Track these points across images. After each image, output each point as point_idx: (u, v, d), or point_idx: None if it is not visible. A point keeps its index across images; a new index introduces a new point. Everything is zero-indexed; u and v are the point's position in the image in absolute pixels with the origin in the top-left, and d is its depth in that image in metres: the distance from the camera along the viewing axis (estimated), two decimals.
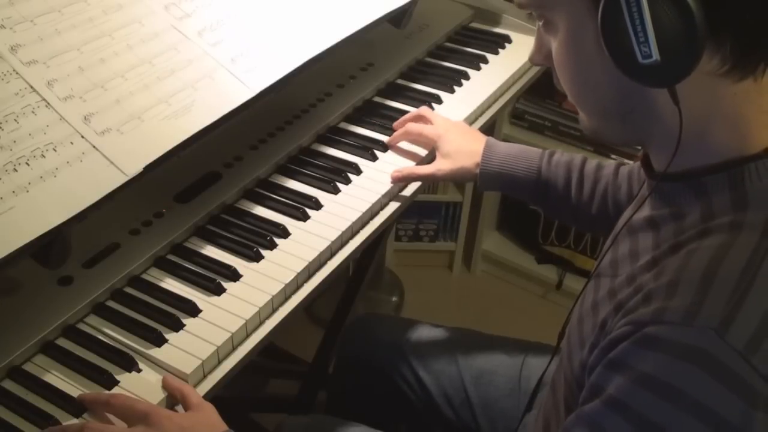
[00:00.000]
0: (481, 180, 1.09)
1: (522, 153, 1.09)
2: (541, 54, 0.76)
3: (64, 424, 0.76)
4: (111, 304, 0.88)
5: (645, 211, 0.76)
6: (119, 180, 0.85)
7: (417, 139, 1.15)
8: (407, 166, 1.11)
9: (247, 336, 0.87)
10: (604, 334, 0.69)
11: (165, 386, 0.80)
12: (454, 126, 1.14)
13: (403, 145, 1.15)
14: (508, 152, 1.09)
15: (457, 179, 1.11)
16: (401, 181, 1.09)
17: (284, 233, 0.97)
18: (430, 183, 1.08)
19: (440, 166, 1.10)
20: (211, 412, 0.79)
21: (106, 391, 0.79)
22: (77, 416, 0.77)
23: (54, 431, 0.75)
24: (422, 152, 1.13)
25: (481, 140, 1.11)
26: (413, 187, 1.10)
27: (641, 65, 0.62)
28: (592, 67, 0.68)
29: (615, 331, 0.65)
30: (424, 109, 1.18)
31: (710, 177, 0.68)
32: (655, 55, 0.61)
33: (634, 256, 0.74)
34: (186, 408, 0.79)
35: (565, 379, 0.80)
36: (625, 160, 1.92)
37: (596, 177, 1.06)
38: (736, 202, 0.66)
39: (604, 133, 0.75)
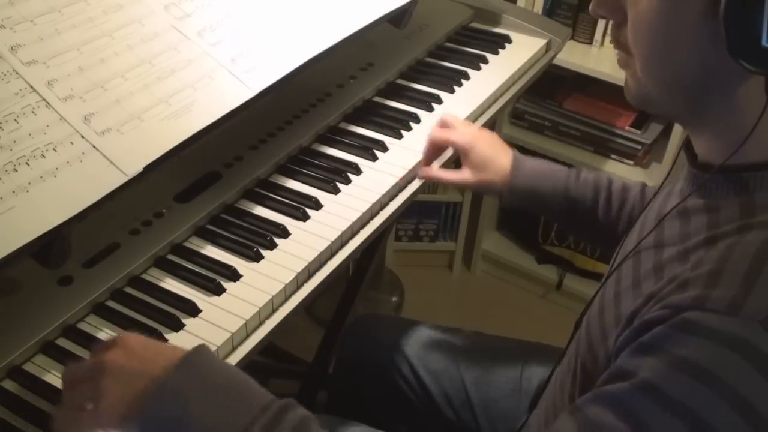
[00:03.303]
0: (510, 196, 1.09)
1: (549, 170, 1.09)
2: (608, 5, 0.70)
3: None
4: (111, 304, 0.88)
5: (674, 200, 0.76)
6: (119, 180, 0.85)
7: (445, 146, 1.14)
8: (433, 167, 1.12)
9: (247, 336, 0.87)
10: (632, 324, 0.67)
11: None
12: (481, 136, 1.13)
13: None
14: (536, 168, 1.09)
15: (482, 191, 1.12)
16: (427, 180, 1.11)
17: (284, 233, 0.97)
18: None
19: (466, 177, 1.11)
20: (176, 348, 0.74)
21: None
22: None
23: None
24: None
25: (508, 153, 1.11)
26: (413, 187, 1.10)
27: (762, 49, 0.59)
28: (684, 35, 0.64)
29: (648, 314, 0.64)
30: (446, 116, 1.16)
31: (754, 174, 0.67)
32: None
33: (659, 246, 0.73)
34: None
35: (584, 371, 0.79)
36: (625, 160, 1.92)
37: (623, 197, 1.06)
38: None
39: (659, 103, 0.71)
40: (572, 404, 0.66)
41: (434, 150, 1.13)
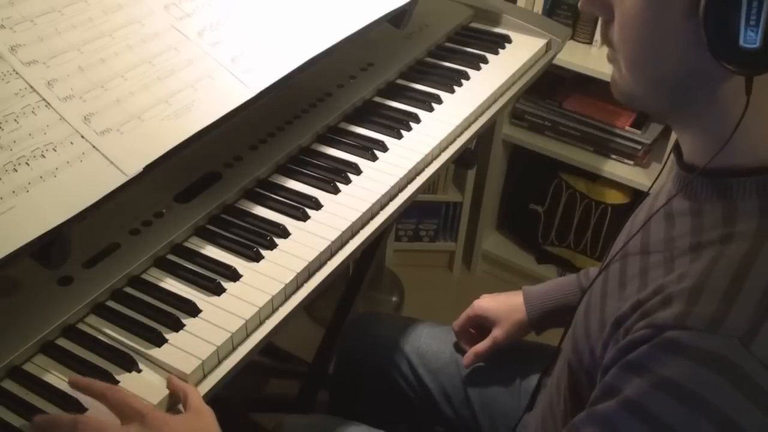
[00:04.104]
0: (533, 324, 1.12)
1: (558, 283, 1.13)
2: (597, 2, 0.70)
3: (54, 414, 0.75)
4: (111, 304, 0.88)
5: (661, 202, 0.76)
6: (119, 180, 0.85)
7: (474, 323, 1.18)
8: (472, 348, 1.15)
9: (247, 336, 0.87)
10: (617, 332, 0.69)
11: (170, 386, 0.79)
12: (484, 298, 1.18)
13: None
14: (546, 288, 1.13)
15: (517, 336, 1.15)
16: (471, 364, 1.14)
17: (284, 233, 0.97)
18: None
19: (496, 334, 1.13)
20: (209, 419, 0.77)
21: (102, 382, 0.79)
22: None
23: (44, 420, 0.75)
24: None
25: (516, 294, 1.15)
26: (413, 187, 1.10)
27: (739, 49, 0.59)
28: (667, 34, 0.65)
29: (633, 332, 0.65)
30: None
31: (738, 179, 0.67)
32: (759, 42, 0.59)
33: (645, 249, 0.74)
34: (185, 409, 0.78)
35: (570, 370, 0.80)
36: (625, 160, 1.92)
37: None
38: (764, 209, 0.65)
39: (646, 101, 0.72)
40: (570, 423, 0.68)
41: (464, 334, 1.18)
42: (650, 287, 0.67)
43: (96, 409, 0.77)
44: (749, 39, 0.59)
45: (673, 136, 1.79)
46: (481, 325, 1.17)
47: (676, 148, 0.76)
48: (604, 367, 0.68)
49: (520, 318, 1.13)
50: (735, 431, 0.59)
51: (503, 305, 1.15)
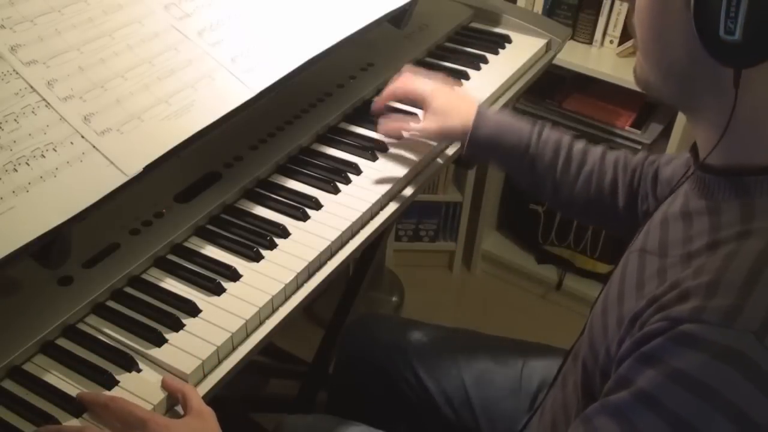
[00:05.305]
0: (470, 145, 1.08)
1: (514, 123, 1.08)
2: None
3: (63, 424, 0.76)
4: (111, 304, 0.88)
5: (679, 201, 0.76)
6: (119, 180, 0.85)
7: (405, 97, 1.13)
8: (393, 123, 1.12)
9: (247, 336, 0.87)
10: (633, 327, 0.69)
11: (165, 387, 0.80)
12: (444, 84, 1.13)
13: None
14: (500, 120, 1.08)
15: (444, 139, 1.11)
16: (388, 131, 1.11)
17: (284, 233, 0.97)
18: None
19: (427, 125, 1.10)
20: (210, 420, 0.77)
21: (106, 392, 0.79)
22: (77, 416, 0.77)
23: (51, 430, 0.75)
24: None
25: (473, 102, 1.10)
26: (413, 187, 1.10)
27: (720, 39, 0.61)
28: (672, 22, 0.67)
29: (649, 325, 0.65)
30: (405, 77, 1.14)
31: (755, 177, 0.67)
32: (738, 35, 0.60)
33: (663, 248, 0.74)
34: (185, 411, 0.78)
35: (585, 369, 0.80)
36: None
37: (582, 159, 1.06)
38: None
39: (658, 89, 0.73)
40: (583, 413, 0.68)
41: (393, 99, 1.14)
42: (667, 283, 0.68)
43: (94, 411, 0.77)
44: (728, 30, 0.60)
45: (674, 137, 1.79)
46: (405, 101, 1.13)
47: (693, 149, 0.76)
48: (618, 359, 0.68)
49: (461, 127, 1.08)
50: (747, 424, 0.59)
51: (456, 106, 1.09)
